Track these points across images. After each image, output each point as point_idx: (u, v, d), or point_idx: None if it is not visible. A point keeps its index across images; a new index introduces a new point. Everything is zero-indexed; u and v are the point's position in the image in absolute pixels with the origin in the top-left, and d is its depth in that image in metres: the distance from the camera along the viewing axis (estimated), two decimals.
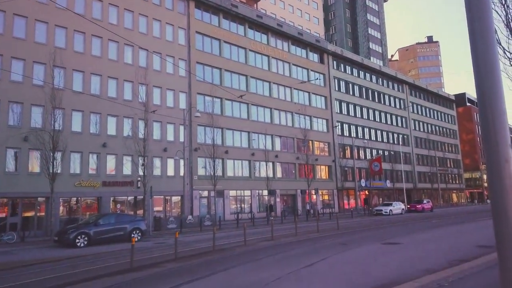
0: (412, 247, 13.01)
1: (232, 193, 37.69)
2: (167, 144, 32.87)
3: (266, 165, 37.98)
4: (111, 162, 29.43)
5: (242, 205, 38.86)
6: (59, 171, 23.80)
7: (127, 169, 29.87)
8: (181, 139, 32.37)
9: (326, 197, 48.66)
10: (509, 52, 7.97)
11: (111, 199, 29.36)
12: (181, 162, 31.39)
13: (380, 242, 14.48)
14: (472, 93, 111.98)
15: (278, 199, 41.70)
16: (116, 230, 19.50)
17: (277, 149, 42.76)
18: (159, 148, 31.95)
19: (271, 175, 40.37)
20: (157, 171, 31.82)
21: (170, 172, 32.92)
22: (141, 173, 25.91)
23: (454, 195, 76.29)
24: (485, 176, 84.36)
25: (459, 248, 12.31)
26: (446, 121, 77.24)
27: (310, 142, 45.97)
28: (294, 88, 45.93)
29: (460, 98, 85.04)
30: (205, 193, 34.76)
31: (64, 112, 26.64)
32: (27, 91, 25.96)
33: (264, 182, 36.57)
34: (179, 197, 32.65)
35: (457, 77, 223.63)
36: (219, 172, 34.86)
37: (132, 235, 19.88)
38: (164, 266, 10.83)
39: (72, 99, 27.45)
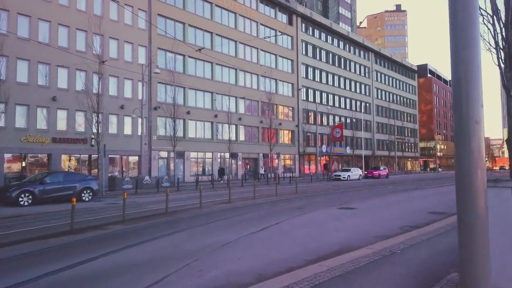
0: (367, 212, 13.08)
1: (193, 154, 36.91)
2: (124, 101, 31.15)
3: (229, 127, 37.26)
4: (62, 118, 27.54)
5: (203, 167, 38.30)
6: (2, 125, 21.95)
7: (80, 126, 28.13)
8: (140, 96, 30.70)
9: (288, 162, 49.09)
10: (484, 10, 7.57)
11: (63, 156, 27.76)
12: (140, 120, 29.94)
13: (335, 207, 14.50)
14: (433, 64, 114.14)
15: (240, 162, 41.48)
16: (64, 189, 18.36)
17: (241, 112, 41.99)
18: (115, 104, 30.23)
19: (233, 138, 39.79)
20: (113, 129, 30.28)
21: (128, 131, 31.48)
22: (94, 130, 24.43)
23: (409, 163, 79.81)
24: (439, 146, 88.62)
25: (411, 214, 12.49)
26: (407, 91, 79.15)
27: (275, 106, 45.48)
28: (261, 50, 44.62)
29: (422, 69, 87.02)
30: (165, 154, 33.73)
31: (8, 60, 24.18)
32: None
33: (227, 144, 36.00)
34: (137, 157, 31.47)
35: (421, 48, 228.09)
36: (180, 133, 33.87)
37: (82, 195, 18.92)
38: (108, 229, 10.14)
39: (16, 45, 24.94)
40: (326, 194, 21.91)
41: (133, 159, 32.10)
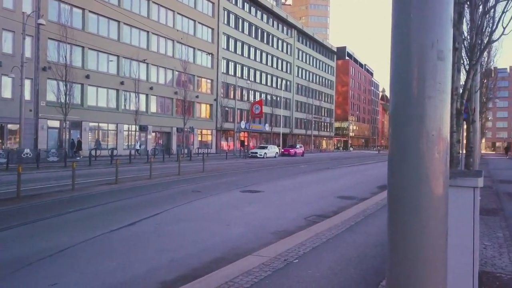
0: (272, 196, 11.44)
1: (93, 125, 32.54)
2: (3, 57, 25.70)
3: (136, 96, 33.38)
4: None
5: (105, 140, 34.11)
6: None
7: None
8: (26, 53, 25.38)
9: (205, 137, 46.69)
10: None
11: None
12: (25, 82, 24.83)
13: (239, 190, 12.67)
14: (352, 48, 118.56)
15: (149, 136, 37.96)
16: None
17: (152, 80, 38.16)
18: None
19: (143, 109, 36.12)
20: None
21: (7, 93, 26.22)
22: None
23: (324, 142, 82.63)
24: (351, 127, 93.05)
25: (320, 198, 11.14)
26: (326, 71, 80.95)
27: (192, 76, 42.38)
28: (178, 13, 40.76)
29: (341, 51, 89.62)
30: (56, 124, 28.98)
31: None
32: None
33: (134, 116, 32.35)
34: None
35: (340, 31, 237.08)
36: (77, 100, 29.53)
37: None
38: None
39: None
40: (236, 173, 20.12)
41: (15, 127, 26.96)
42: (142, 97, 35.89)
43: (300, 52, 69.23)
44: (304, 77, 70.63)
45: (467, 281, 2.45)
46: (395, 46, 1.74)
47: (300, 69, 69.08)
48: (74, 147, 28.29)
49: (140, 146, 34.43)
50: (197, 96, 42.92)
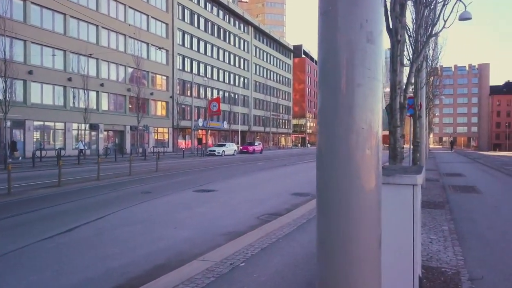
0: (226, 195, 11.16)
1: (38, 124, 30.53)
2: None
3: (85, 93, 31.66)
4: None
5: (51, 140, 32.12)
6: None
7: None
8: None
9: (161, 136, 45.45)
10: None
11: None
12: None
13: (193, 189, 12.28)
14: (307, 46, 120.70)
15: (101, 135, 36.27)
16: None
17: (103, 77, 36.46)
18: None
19: (94, 106, 34.42)
20: None
21: None
22: None
23: (282, 139, 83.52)
24: (309, 124, 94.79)
25: (274, 196, 11.01)
26: (283, 69, 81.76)
27: (146, 73, 41.03)
28: (130, 7, 39.22)
29: (297, 49, 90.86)
30: None
31: None
32: None
33: (84, 114, 30.71)
34: None
35: (297, 29, 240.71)
36: (20, 97, 27.60)
37: None
38: None
39: None
40: (191, 172, 19.62)
41: None
42: (92, 94, 34.19)
43: (257, 50, 69.33)
44: (261, 75, 70.85)
45: (407, 283, 2.33)
46: (322, 29, 1.53)
47: (257, 67, 69.20)
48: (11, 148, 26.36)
49: (84, 146, 31.96)
50: (151, 93, 41.64)
